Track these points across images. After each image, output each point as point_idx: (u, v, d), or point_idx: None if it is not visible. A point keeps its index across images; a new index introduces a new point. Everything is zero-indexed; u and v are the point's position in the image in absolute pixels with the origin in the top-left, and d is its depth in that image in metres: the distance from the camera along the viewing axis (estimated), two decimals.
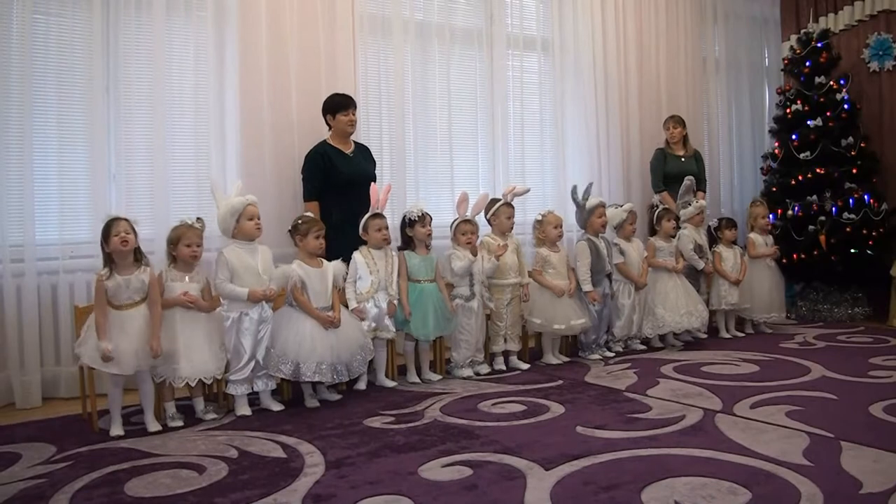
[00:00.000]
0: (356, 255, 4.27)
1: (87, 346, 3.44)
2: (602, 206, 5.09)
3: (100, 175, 4.44)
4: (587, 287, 4.91)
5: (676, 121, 6.26)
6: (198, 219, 3.76)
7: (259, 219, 3.90)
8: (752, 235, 5.95)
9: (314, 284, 3.90)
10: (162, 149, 4.57)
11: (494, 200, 4.85)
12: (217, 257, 3.87)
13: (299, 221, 4.02)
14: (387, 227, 4.31)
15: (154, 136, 4.57)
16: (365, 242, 4.34)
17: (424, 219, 4.44)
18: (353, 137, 4.85)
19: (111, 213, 3.60)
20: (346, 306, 4.15)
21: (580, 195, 5.07)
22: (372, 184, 4.44)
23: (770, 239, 6.02)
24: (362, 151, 4.86)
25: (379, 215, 4.30)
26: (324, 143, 4.71)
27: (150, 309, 3.51)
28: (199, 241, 3.72)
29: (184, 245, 3.66)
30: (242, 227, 3.86)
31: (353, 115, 4.73)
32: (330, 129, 4.76)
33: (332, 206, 4.54)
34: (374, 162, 4.94)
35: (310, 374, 3.74)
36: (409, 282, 4.39)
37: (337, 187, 4.58)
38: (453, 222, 4.66)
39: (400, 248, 4.52)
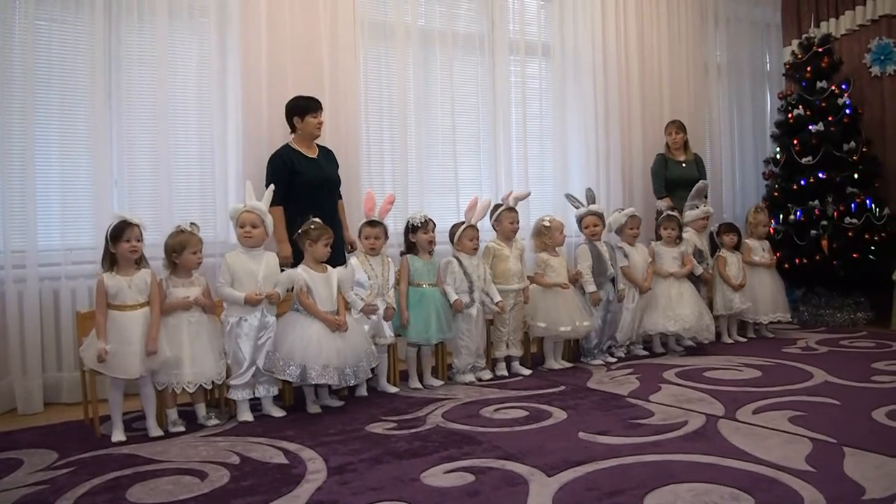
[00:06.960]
0: (353, 261, 4.24)
1: (90, 350, 3.44)
2: (594, 214, 5.05)
3: (102, 180, 4.44)
4: (591, 288, 4.91)
5: (678, 126, 6.25)
6: (191, 224, 3.74)
7: (253, 227, 3.82)
8: (749, 241, 5.95)
9: (319, 290, 3.90)
10: (164, 154, 4.58)
11: (498, 206, 4.84)
12: (222, 261, 3.89)
13: (311, 227, 3.97)
14: (376, 237, 4.27)
15: (156, 142, 4.57)
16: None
17: (427, 225, 4.45)
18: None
19: (122, 215, 3.55)
20: (350, 312, 4.12)
21: (585, 203, 5.06)
22: (367, 190, 4.34)
23: (767, 244, 6.01)
24: (326, 155, 4.69)
25: (372, 223, 4.27)
26: (287, 147, 4.54)
27: (150, 310, 3.51)
28: (201, 247, 3.74)
29: (190, 252, 3.66)
30: (238, 233, 3.90)
31: (321, 117, 4.58)
32: (294, 131, 4.57)
33: (297, 212, 4.22)
34: (337, 164, 4.75)
35: (315, 376, 3.73)
36: (412, 286, 4.40)
37: (301, 192, 4.39)
38: (453, 228, 4.66)
39: (402, 253, 4.53)
